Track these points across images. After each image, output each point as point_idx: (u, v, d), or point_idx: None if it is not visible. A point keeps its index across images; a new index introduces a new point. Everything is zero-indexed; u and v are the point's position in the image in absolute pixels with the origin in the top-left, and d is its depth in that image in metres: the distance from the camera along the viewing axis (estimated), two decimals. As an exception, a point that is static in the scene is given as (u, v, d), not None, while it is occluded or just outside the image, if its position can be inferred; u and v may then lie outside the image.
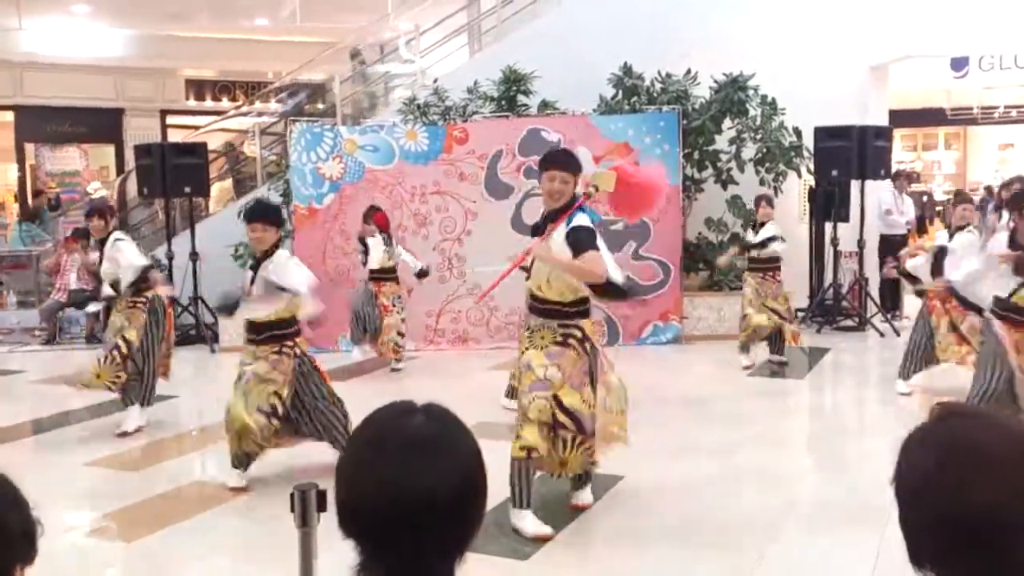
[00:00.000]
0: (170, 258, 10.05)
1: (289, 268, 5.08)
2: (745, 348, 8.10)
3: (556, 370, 4.27)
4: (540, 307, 4.39)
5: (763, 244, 7.93)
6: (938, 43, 10.56)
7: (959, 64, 13.56)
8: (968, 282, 5.67)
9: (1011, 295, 5.05)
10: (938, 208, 16.99)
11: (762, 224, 7.99)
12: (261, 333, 5.06)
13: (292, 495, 1.89)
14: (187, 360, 7.69)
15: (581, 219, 4.27)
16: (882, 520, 4.03)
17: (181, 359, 7.50)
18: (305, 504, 1.88)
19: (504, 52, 10.43)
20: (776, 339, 8.04)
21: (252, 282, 5.09)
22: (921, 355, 6.86)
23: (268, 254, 5.08)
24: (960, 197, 7.07)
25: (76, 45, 16.01)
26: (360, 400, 7.15)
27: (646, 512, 4.66)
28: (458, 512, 1.26)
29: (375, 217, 8.21)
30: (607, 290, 4.28)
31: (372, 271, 8.21)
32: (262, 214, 5.09)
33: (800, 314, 9.89)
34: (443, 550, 1.26)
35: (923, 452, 1.20)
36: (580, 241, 4.19)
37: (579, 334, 4.35)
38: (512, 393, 5.79)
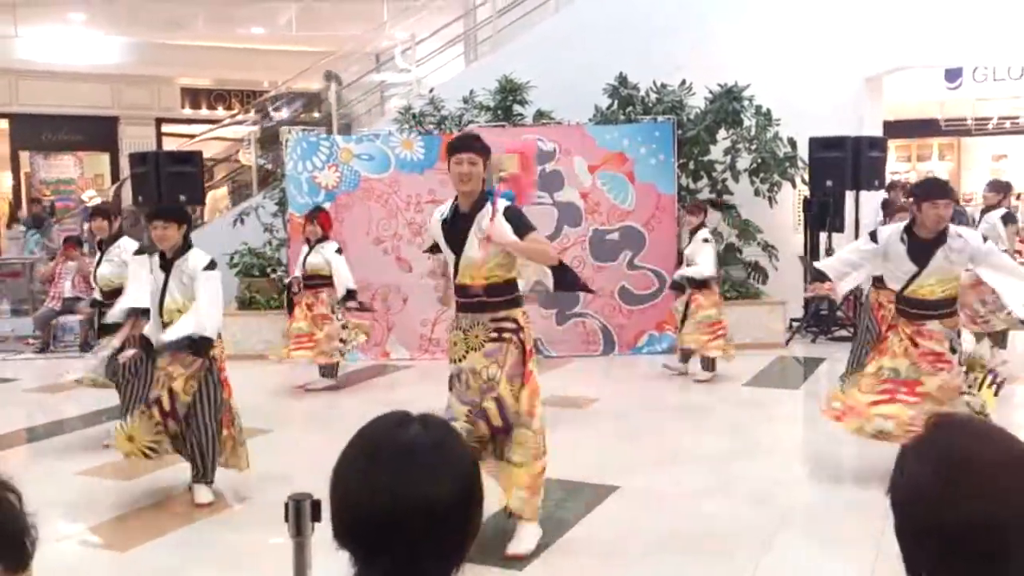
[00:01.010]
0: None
1: (211, 287, 4.87)
2: (686, 359, 8.12)
3: (497, 368, 4.19)
4: (470, 301, 4.23)
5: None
6: (932, 54, 10.61)
7: (953, 75, 13.64)
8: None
9: (904, 287, 4.92)
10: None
11: (692, 233, 7.90)
12: None
13: (286, 505, 1.88)
14: (181, 369, 7.75)
15: (510, 203, 4.22)
16: (878, 530, 4.02)
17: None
18: (299, 514, 1.87)
19: (500, 62, 10.45)
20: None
21: (165, 284, 4.89)
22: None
23: (179, 253, 4.89)
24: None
25: (72, 53, 16.01)
26: (352, 410, 7.16)
27: (640, 522, 4.65)
28: (454, 520, 1.26)
29: (320, 218, 7.88)
30: (560, 274, 4.23)
31: (308, 277, 7.74)
32: (164, 212, 4.99)
33: (795, 324, 9.91)
34: (439, 555, 1.26)
35: (920, 463, 1.20)
36: (523, 223, 4.14)
37: (512, 325, 4.24)
38: None
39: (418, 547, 1.24)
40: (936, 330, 4.90)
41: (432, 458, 1.26)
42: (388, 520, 1.23)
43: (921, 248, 4.86)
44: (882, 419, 4.84)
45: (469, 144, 4.24)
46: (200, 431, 4.96)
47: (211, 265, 4.90)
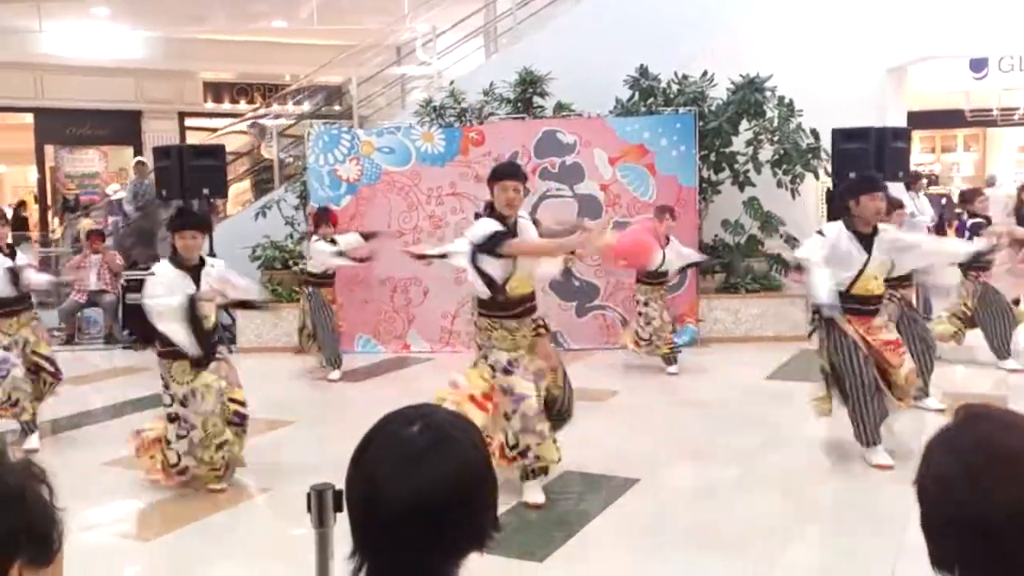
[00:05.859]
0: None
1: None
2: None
3: (542, 361, 4.85)
4: (519, 309, 4.76)
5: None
6: (957, 44, 10.49)
7: (978, 65, 13.48)
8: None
9: (849, 288, 5.11)
10: (957, 210, 16.89)
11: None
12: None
13: (308, 495, 1.89)
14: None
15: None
16: (900, 524, 4.00)
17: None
18: (322, 504, 1.88)
19: (520, 54, 10.43)
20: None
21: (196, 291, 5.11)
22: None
23: (202, 262, 5.17)
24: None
25: (95, 47, 16.13)
26: (373, 401, 7.19)
27: (661, 515, 4.65)
28: (446, 517, 1.26)
29: (332, 217, 8.21)
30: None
31: (324, 275, 8.16)
32: (199, 222, 5.28)
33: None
34: (429, 551, 1.27)
35: (948, 455, 1.19)
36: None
37: (542, 322, 4.96)
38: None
39: (404, 543, 1.25)
40: (879, 323, 5.23)
41: (419, 460, 1.27)
42: (370, 515, 1.26)
43: (865, 242, 5.09)
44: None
45: (515, 172, 4.74)
46: None
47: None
